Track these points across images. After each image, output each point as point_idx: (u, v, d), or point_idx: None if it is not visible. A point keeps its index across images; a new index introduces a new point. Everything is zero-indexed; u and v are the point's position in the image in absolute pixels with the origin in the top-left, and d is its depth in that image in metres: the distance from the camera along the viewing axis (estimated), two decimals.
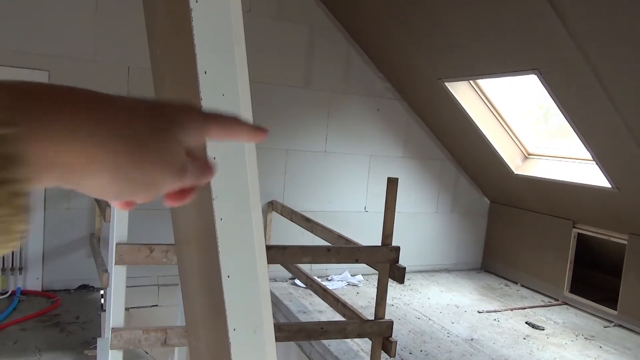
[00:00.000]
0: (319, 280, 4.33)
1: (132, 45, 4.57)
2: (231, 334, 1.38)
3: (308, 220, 4.29)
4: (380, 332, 3.13)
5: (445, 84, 5.12)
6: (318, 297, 4.30)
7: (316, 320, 4.25)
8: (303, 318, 4.33)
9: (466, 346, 4.08)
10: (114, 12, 4.53)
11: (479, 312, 4.91)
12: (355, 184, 5.78)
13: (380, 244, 3.17)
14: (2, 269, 4.22)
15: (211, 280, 1.51)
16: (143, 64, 4.63)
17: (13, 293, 4.26)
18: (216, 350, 1.59)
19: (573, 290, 5.34)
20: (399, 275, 3.06)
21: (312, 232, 4.22)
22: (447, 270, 6.30)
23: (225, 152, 1.29)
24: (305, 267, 4.66)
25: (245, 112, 1.29)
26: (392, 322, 3.16)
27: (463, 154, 6.14)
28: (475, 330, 4.44)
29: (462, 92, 5.23)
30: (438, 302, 5.16)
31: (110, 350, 2.60)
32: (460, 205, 6.40)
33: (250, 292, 1.34)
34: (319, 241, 4.24)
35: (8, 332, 3.61)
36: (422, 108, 5.92)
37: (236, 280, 1.33)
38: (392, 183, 3.11)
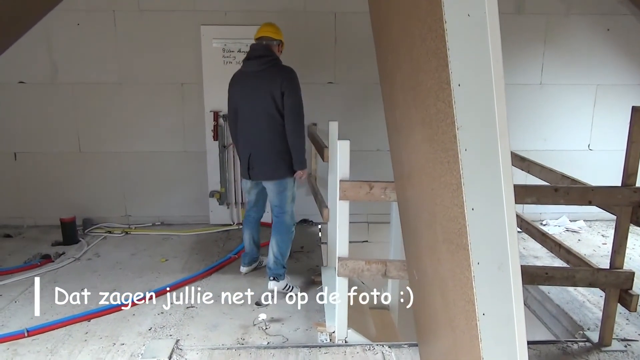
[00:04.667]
0: (536, 223, 4.02)
1: None
2: (474, 267, 1.35)
3: (523, 159, 3.95)
4: (617, 283, 2.77)
5: None
6: (533, 242, 4.02)
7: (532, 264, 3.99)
8: None
9: None
10: None
11: None
12: (576, 120, 5.10)
13: (617, 185, 2.76)
14: (242, 203, 4.96)
15: (449, 214, 1.50)
16: (348, 9, 4.74)
17: None
18: (453, 284, 1.59)
19: None
20: None
21: (528, 172, 3.89)
22: None
23: (471, 79, 1.21)
24: (518, 210, 4.37)
25: (493, 34, 1.19)
26: (633, 273, 2.76)
27: None
28: None
29: None
30: None
31: (337, 277, 2.86)
32: None
33: (496, 226, 1.28)
34: (532, 183, 3.90)
35: None
36: None
37: (481, 213, 1.28)
38: (638, 112, 2.62)
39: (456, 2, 1.19)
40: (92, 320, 3.17)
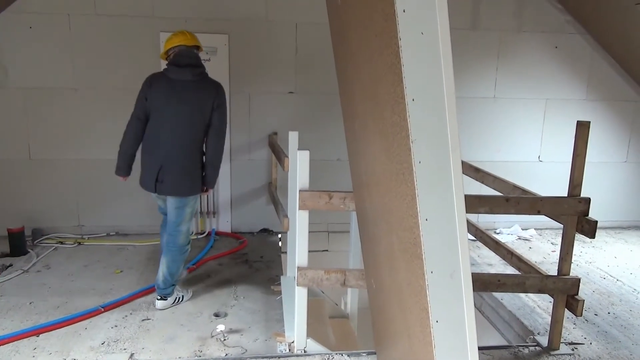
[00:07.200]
0: (489, 232, 4.15)
1: (298, 4, 4.75)
2: (428, 276, 1.39)
3: (477, 170, 4.09)
4: (564, 289, 2.90)
5: None
6: (487, 250, 4.15)
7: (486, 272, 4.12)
8: (472, 270, 4.23)
9: None
10: None
11: None
12: (527, 132, 5.33)
13: (564, 195, 2.89)
14: (200, 213, 4.89)
15: (404, 224, 1.54)
16: (309, 19, 4.79)
17: (209, 233, 4.93)
18: (409, 292, 1.63)
19: None
20: (589, 229, 2.77)
21: (482, 182, 4.03)
22: (638, 228, 5.55)
23: (424, 95, 1.26)
24: (472, 219, 4.51)
25: (445, 52, 1.24)
26: (579, 279, 2.90)
27: None
28: None
29: None
30: (628, 262, 4.60)
31: (296, 287, 2.86)
32: None
33: (448, 236, 1.33)
34: (486, 192, 4.04)
35: (208, 265, 4.22)
36: (612, 41, 5.12)
37: (434, 224, 1.33)
38: (582, 127, 2.77)
39: (410, 21, 1.24)
40: (41, 335, 3.04)
